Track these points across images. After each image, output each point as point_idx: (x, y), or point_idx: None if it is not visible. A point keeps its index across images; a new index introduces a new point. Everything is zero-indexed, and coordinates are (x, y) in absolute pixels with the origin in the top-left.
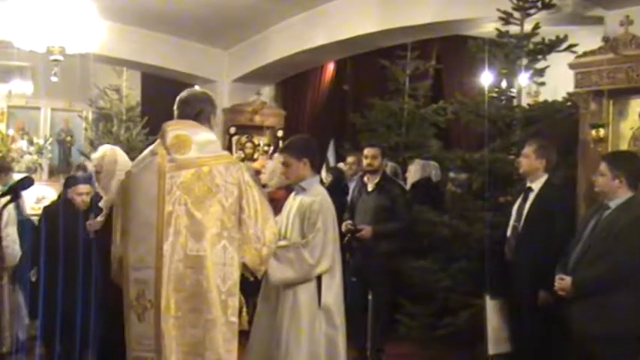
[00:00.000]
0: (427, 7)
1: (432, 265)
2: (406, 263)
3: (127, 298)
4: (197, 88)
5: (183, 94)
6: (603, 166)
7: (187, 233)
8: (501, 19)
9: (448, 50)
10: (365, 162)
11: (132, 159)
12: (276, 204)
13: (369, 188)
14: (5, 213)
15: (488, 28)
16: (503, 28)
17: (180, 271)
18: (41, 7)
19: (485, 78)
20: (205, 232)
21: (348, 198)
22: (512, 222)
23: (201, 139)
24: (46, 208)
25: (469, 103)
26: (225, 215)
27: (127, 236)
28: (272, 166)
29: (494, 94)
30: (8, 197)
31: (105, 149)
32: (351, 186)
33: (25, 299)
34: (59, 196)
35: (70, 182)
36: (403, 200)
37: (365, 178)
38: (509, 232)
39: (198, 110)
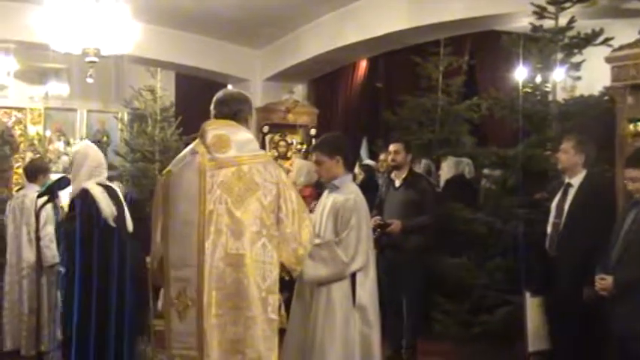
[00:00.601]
0: (460, 3)
1: (467, 262)
2: (441, 260)
3: (167, 296)
4: (233, 88)
5: (221, 94)
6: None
7: (228, 232)
8: (535, 13)
9: (482, 46)
10: (389, 157)
11: (167, 159)
12: (304, 202)
13: (397, 184)
14: (43, 213)
15: (523, 22)
16: (538, 23)
17: (220, 269)
18: (77, 10)
19: (520, 73)
20: (245, 231)
21: None
22: (552, 219)
23: (240, 139)
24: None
25: (503, 99)
26: (264, 213)
27: (168, 235)
28: (299, 165)
29: (529, 90)
30: (46, 197)
31: (80, 145)
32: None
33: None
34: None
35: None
36: (431, 194)
37: (392, 174)
38: (549, 229)
39: (237, 110)
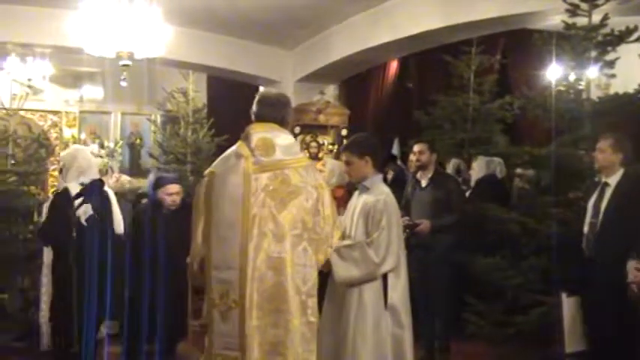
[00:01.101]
0: (492, 1)
1: (501, 262)
2: (473, 260)
3: (209, 298)
4: (274, 90)
5: (268, 96)
6: None
7: (270, 235)
8: (568, 11)
9: (514, 44)
10: (413, 158)
11: (199, 160)
12: (337, 202)
13: (423, 184)
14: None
15: (555, 20)
16: (571, 21)
17: (262, 272)
18: (110, 14)
19: (553, 71)
20: (287, 234)
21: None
22: (588, 218)
23: (284, 143)
24: (135, 209)
25: (536, 98)
26: (306, 217)
27: (210, 237)
28: (332, 165)
29: (562, 88)
30: (81, 199)
31: (71, 148)
32: None
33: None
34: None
35: (159, 183)
36: (458, 193)
37: (418, 175)
38: (586, 229)
39: (284, 114)
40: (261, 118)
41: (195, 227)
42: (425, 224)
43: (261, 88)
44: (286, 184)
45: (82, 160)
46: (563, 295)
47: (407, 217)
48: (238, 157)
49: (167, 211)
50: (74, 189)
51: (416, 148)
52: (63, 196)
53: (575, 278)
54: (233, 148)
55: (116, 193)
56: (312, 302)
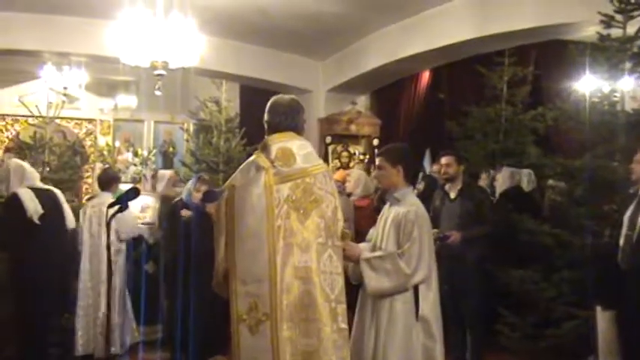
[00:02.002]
0: (526, 12)
1: (533, 274)
2: (505, 272)
3: (235, 312)
4: (286, 96)
5: (282, 104)
6: None
7: (296, 245)
8: (603, 22)
9: (547, 55)
10: (442, 170)
11: (230, 169)
12: (361, 212)
13: (452, 196)
14: (114, 222)
15: (589, 31)
16: (605, 32)
17: (290, 282)
18: (146, 25)
19: (587, 83)
20: (312, 243)
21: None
22: (624, 231)
23: (302, 151)
24: (185, 221)
25: (570, 109)
26: (329, 223)
27: (234, 250)
28: (357, 175)
29: (596, 100)
30: (117, 207)
31: (8, 162)
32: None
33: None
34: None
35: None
36: (487, 204)
37: (446, 187)
38: (622, 242)
39: (299, 122)
40: (276, 128)
41: (218, 240)
42: (455, 236)
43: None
44: (308, 193)
45: (18, 169)
46: (598, 309)
47: (436, 230)
48: (258, 169)
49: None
50: (22, 192)
51: (443, 160)
52: (12, 200)
53: (610, 292)
54: (251, 159)
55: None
56: (342, 309)
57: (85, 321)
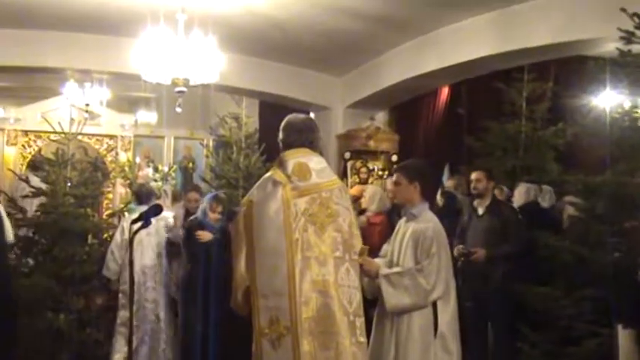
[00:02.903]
0: (545, 28)
1: (554, 291)
2: (525, 289)
3: (257, 327)
4: (301, 115)
5: (296, 122)
6: None
7: (313, 258)
8: (623, 38)
9: (567, 71)
10: (471, 186)
11: (250, 185)
12: (375, 228)
13: (480, 212)
14: (137, 238)
15: (609, 47)
16: (625, 48)
17: (309, 296)
18: (167, 42)
19: (607, 99)
20: (329, 256)
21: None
22: None
23: (318, 166)
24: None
25: (590, 125)
26: (346, 237)
27: (254, 264)
28: (372, 191)
29: (617, 115)
30: (140, 224)
31: None
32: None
33: None
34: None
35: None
36: (516, 222)
37: (475, 202)
38: None
39: (313, 139)
40: (290, 145)
41: (237, 257)
42: (480, 253)
43: (312, 114)
44: (325, 207)
45: None
46: (619, 327)
47: (461, 246)
48: (275, 184)
49: None
50: None
51: (473, 175)
52: None
53: (631, 310)
54: (267, 175)
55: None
56: (360, 322)
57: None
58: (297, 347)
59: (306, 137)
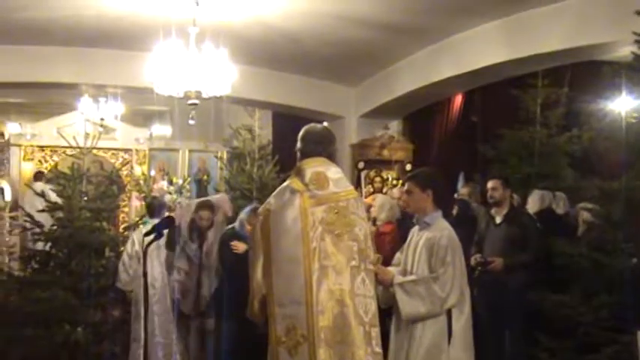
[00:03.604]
0: (558, 34)
1: (571, 298)
2: (542, 296)
3: (273, 335)
4: (319, 125)
5: (314, 132)
6: None
7: (330, 267)
8: (638, 42)
9: (581, 76)
10: (488, 194)
11: (264, 196)
12: (385, 237)
13: (497, 220)
14: (149, 250)
15: (624, 51)
16: None
17: (325, 304)
18: (180, 56)
19: (623, 103)
20: (346, 266)
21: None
22: None
23: (335, 176)
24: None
25: (606, 130)
26: (362, 247)
27: (271, 273)
28: (381, 201)
29: (633, 120)
30: (152, 236)
31: None
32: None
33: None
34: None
35: None
36: (534, 231)
37: (492, 211)
38: None
39: (332, 150)
40: (308, 155)
41: (254, 265)
42: (497, 262)
43: (325, 124)
44: (342, 217)
45: None
46: (639, 334)
47: (479, 255)
48: (293, 192)
49: None
50: None
51: (489, 184)
52: None
53: None
54: (285, 184)
55: None
56: (376, 332)
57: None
58: (314, 356)
59: (323, 147)
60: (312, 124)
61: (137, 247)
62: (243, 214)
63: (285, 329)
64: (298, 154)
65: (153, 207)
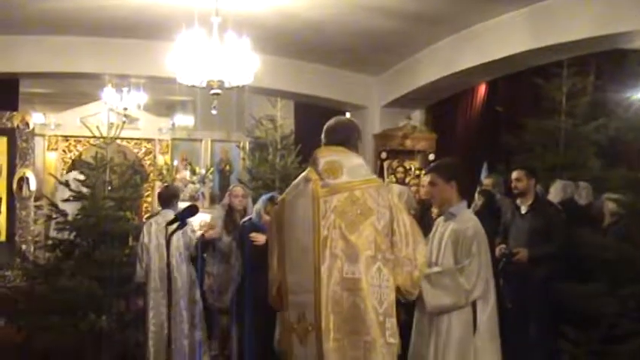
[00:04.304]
0: (584, 22)
1: (597, 289)
2: (567, 287)
3: (287, 322)
4: (342, 116)
5: (331, 123)
6: None
7: (343, 256)
8: None
9: (608, 65)
10: (512, 185)
11: (286, 186)
12: None
13: (523, 211)
14: (174, 239)
15: None
16: None
17: (337, 293)
18: (203, 45)
19: None
20: (360, 255)
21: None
22: None
23: (351, 164)
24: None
25: (632, 119)
26: (378, 237)
27: (284, 261)
28: (398, 191)
29: None
30: (176, 224)
31: None
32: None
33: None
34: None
35: None
36: (559, 222)
37: (518, 201)
38: None
39: (345, 137)
40: (327, 143)
41: (271, 254)
42: (522, 254)
43: (347, 114)
44: (356, 206)
45: None
46: None
47: (503, 245)
48: (307, 181)
49: None
50: None
51: (514, 174)
52: None
53: None
54: (303, 174)
55: None
56: (391, 323)
57: (156, 338)
58: (321, 344)
59: (339, 136)
60: (337, 117)
61: (146, 238)
62: (259, 205)
63: (296, 317)
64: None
65: (163, 197)
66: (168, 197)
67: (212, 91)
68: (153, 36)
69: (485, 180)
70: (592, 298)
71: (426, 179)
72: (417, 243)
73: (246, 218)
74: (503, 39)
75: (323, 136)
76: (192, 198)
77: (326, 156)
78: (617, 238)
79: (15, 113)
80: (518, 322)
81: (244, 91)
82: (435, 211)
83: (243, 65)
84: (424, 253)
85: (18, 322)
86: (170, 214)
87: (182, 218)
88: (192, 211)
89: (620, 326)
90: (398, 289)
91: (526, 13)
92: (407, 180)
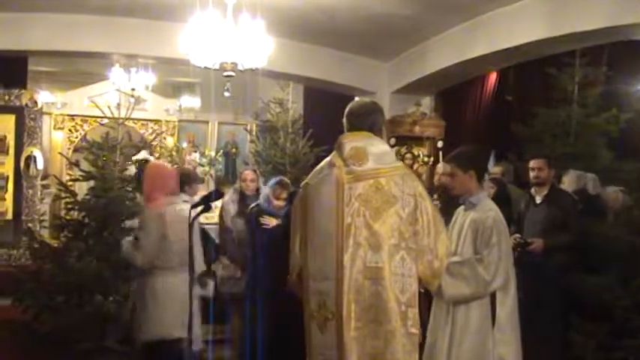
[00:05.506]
0: (599, 12)
1: (608, 281)
2: (578, 279)
3: (307, 309)
4: (365, 99)
5: (355, 106)
6: None
7: (366, 244)
8: None
9: (620, 55)
10: (532, 174)
11: (297, 170)
12: None
13: (538, 200)
14: (196, 223)
15: None
16: None
17: (359, 282)
18: (216, 27)
19: None
20: (383, 244)
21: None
22: None
23: (377, 151)
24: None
25: None
26: (402, 226)
27: (307, 247)
28: None
29: None
30: (201, 207)
31: None
32: None
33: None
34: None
35: None
36: (575, 212)
37: (532, 190)
38: None
39: (372, 122)
40: (350, 129)
41: (293, 238)
42: (537, 243)
43: (357, 99)
44: (381, 193)
45: None
46: None
47: (518, 235)
48: (331, 167)
49: None
50: None
51: (533, 164)
52: None
53: None
54: (327, 159)
55: None
56: (413, 313)
57: None
58: (342, 333)
59: (364, 120)
60: (361, 98)
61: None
62: (267, 189)
63: (317, 304)
64: (345, 130)
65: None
66: (181, 181)
67: (225, 74)
68: (164, 16)
69: (494, 168)
70: (604, 290)
71: (440, 167)
72: (438, 233)
73: (254, 204)
74: (516, 27)
75: (345, 120)
76: (202, 181)
77: (351, 141)
78: (629, 231)
79: (23, 91)
80: (529, 312)
81: (256, 74)
82: None
83: (256, 48)
84: (446, 244)
85: (25, 301)
86: (182, 198)
87: (206, 202)
88: (217, 194)
89: (631, 319)
90: (418, 279)
91: (539, 2)
92: (415, 167)
